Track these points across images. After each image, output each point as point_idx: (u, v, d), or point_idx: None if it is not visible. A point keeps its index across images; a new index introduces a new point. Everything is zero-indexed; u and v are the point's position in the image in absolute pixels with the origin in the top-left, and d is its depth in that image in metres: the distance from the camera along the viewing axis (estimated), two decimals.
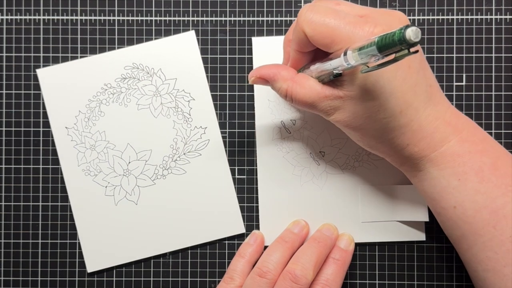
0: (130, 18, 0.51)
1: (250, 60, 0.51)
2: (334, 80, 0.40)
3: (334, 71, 0.38)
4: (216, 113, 0.51)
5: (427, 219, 0.48)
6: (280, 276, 0.45)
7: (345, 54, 0.35)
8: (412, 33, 0.29)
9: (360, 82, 0.38)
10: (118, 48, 0.51)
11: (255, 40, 0.50)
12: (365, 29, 0.37)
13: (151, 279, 0.51)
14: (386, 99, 0.39)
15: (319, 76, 0.41)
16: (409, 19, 0.50)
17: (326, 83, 0.41)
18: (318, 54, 0.42)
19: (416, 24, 0.50)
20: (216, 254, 0.51)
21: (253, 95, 0.50)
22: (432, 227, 0.49)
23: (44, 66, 0.51)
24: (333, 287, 0.45)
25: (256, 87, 0.50)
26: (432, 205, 0.43)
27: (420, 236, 0.49)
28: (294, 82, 0.42)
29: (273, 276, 0.45)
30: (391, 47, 0.30)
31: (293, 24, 0.44)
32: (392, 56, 0.32)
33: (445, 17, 0.50)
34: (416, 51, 0.31)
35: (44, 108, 0.51)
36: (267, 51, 0.50)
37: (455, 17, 0.50)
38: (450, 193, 0.41)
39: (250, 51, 0.51)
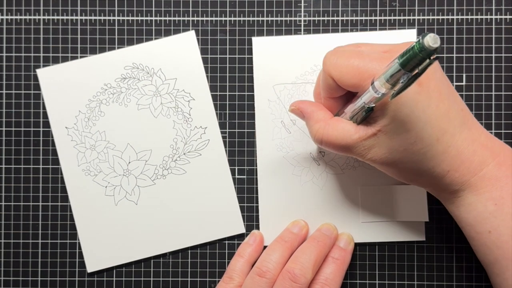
0: (130, 18, 0.51)
1: (250, 60, 0.50)
2: (367, 119, 0.40)
3: (366, 106, 0.38)
4: (216, 113, 0.51)
5: (427, 219, 0.48)
6: (279, 276, 0.45)
7: (372, 85, 0.36)
8: (430, 39, 0.29)
9: (394, 115, 0.38)
10: (118, 48, 0.51)
11: (255, 40, 0.50)
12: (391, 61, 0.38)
13: (151, 279, 0.50)
14: (422, 128, 0.39)
15: (353, 116, 0.41)
16: (409, 19, 0.50)
17: (360, 123, 0.41)
18: (350, 96, 0.42)
19: (416, 24, 0.50)
20: (216, 254, 0.50)
21: (253, 95, 0.50)
22: (432, 227, 0.49)
23: (44, 66, 0.51)
24: (332, 286, 0.45)
25: (256, 86, 0.50)
26: (467, 230, 0.43)
27: (420, 236, 0.49)
28: (326, 124, 0.42)
29: (273, 275, 0.45)
30: (413, 58, 0.31)
31: (319, 76, 0.44)
32: (415, 71, 0.32)
33: (445, 17, 0.50)
34: (437, 58, 0.31)
35: (44, 108, 0.51)
36: (267, 51, 0.50)
37: (455, 17, 0.50)
38: (486, 218, 0.41)
39: (250, 51, 0.51)
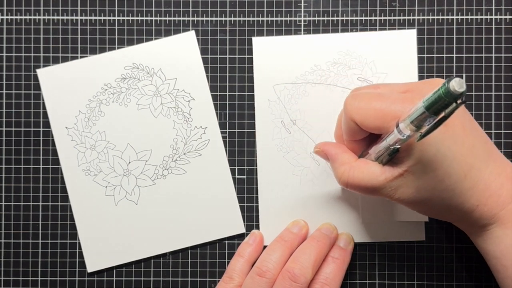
0: (130, 18, 0.51)
1: (250, 60, 0.50)
2: (392, 160, 0.40)
3: (391, 147, 0.38)
4: (216, 113, 0.50)
5: (427, 219, 0.48)
6: (279, 275, 0.45)
7: (397, 127, 0.36)
8: (456, 84, 0.29)
9: (420, 155, 0.38)
10: (118, 48, 0.51)
11: (255, 40, 0.50)
12: (415, 102, 0.37)
13: (151, 279, 0.50)
14: (449, 166, 0.39)
15: (378, 157, 0.41)
16: (409, 19, 0.50)
17: (386, 163, 0.40)
18: (373, 137, 0.42)
19: (416, 24, 0.50)
20: (216, 254, 0.50)
21: (253, 95, 0.50)
22: (432, 227, 0.49)
23: (44, 66, 0.51)
24: (332, 286, 0.45)
25: (256, 86, 0.50)
26: (493, 263, 0.42)
27: (420, 236, 0.49)
28: (351, 167, 0.42)
29: (273, 275, 0.45)
30: (439, 102, 0.31)
31: (339, 118, 0.45)
32: (441, 115, 0.32)
33: (445, 17, 0.50)
34: (463, 102, 0.31)
35: (44, 108, 0.51)
36: (268, 51, 0.50)
37: (455, 17, 0.50)
38: None
39: (250, 51, 0.51)
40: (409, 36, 0.50)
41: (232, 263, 0.48)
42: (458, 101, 0.30)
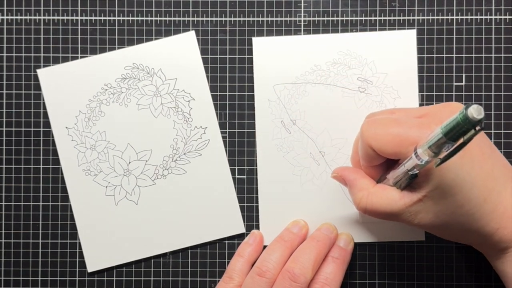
0: (130, 18, 0.51)
1: (250, 60, 0.50)
2: (411, 185, 0.40)
3: (410, 173, 0.38)
4: (216, 113, 0.50)
5: None
6: (279, 275, 0.44)
7: (415, 153, 0.36)
8: (474, 111, 0.29)
9: (439, 180, 0.38)
10: (118, 48, 0.51)
11: (256, 40, 0.50)
12: (432, 127, 0.37)
13: (151, 279, 0.50)
14: (469, 190, 0.39)
15: (396, 182, 0.41)
16: (409, 19, 0.50)
17: (404, 188, 0.40)
18: (390, 162, 0.42)
19: (415, 25, 0.50)
20: (216, 254, 0.50)
21: (253, 95, 0.50)
22: None
23: (44, 66, 0.51)
24: (332, 286, 0.45)
25: (256, 86, 0.50)
26: (511, 285, 0.42)
27: (420, 236, 0.49)
28: (369, 193, 0.42)
29: (272, 275, 0.45)
30: (457, 129, 0.31)
31: (355, 143, 0.45)
32: (460, 141, 0.32)
33: (445, 17, 0.50)
34: (482, 128, 0.31)
35: (44, 108, 0.51)
36: (268, 51, 0.50)
37: (455, 17, 0.50)
38: None
39: (250, 51, 0.50)
40: (409, 36, 0.50)
41: (232, 263, 0.48)
42: (477, 128, 0.31)
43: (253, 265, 0.47)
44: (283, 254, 0.46)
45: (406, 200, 0.40)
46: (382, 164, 0.43)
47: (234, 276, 0.47)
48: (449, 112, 0.39)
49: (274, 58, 0.50)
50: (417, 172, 0.38)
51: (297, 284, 0.43)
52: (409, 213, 0.40)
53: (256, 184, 0.50)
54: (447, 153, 0.34)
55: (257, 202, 0.50)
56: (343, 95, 0.49)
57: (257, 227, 0.50)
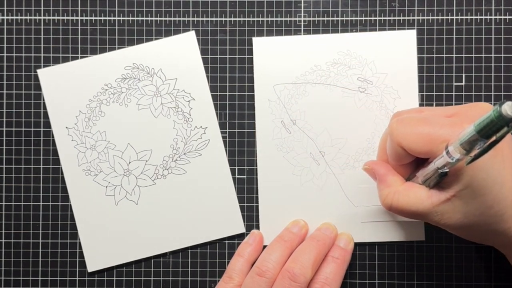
0: (130, 18, 0.51)
1: (250, 60, 0.50)
2: (439, 184, 0.40)
3: (440, 171, 0.38)
4: (216, 113, 0.50)
5: None
6: (279, 275, 0.44)
7: (446, 150, 0.36)
8: (508, 108, 0.29)
9: (469, 179, 0.38)
10: (118, 48, 0.51)
11: (256, 40, 0.50)
12: (464, 126, 0.37)
13: (151, 278, 0.50)
14: (499, 191, 0.38)
15: (425, 180, 0.40)
16: (409, 20, 0.50)
17: (433, 187, 0.40)
18: (419, 161, 0.42)
19: (415, 25, 0.50)
20: (216, 254, 0.50)
21: (253, 95, 0.50)
22: (432, 227, 0.49)
23: (44, 66, 0.51)
24: (332, 286, 0.45)
25: (256, 86, 0.50)
26: None
27: (420, 236, 0.49)
28: (397, 191, 0.42)
29: (272, 275, 0.44)
30: (490, 126, 0.31)
31: (381, 144, 0.45)
32: (492, 138, 0.32)
33: (444, 17, 0.50)
34: None
35: (44, 108, 0.51)
36: (268, 51, 0.50)
37: (454, 17, 0.50)
38: None
39: (250, 51, 0.50)
40: (409, 36, 0.49)
41: (232, 263, 0.48)
42: (510, 125, 0.30)
43: (253, 265, 0.46)
44: (282, 254, 0.46)
45: (433, 199, 0.40)
46: (411, 163, 0.43)
47: (234, 276, 0.47)
48: (480, 111, 0.39)
49: (274, 58, 0.50)
50: (447, 170, 0.38)
51: (297, 284, 0.43)
52: (436, 213, 0.40)
53: (256, 184, 0.50)
54: (479, 151, 0.33)
55: (257, 202, 0.50)
56: (343, 95, 0.49)
57: (257, 227, 0.50)
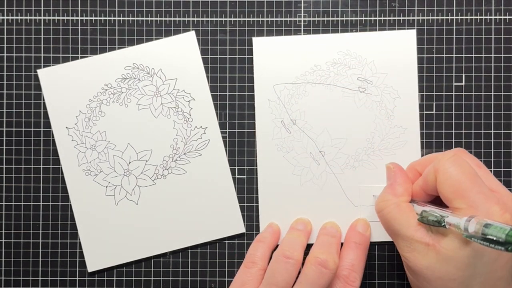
0: (130, 18, 0.50)
1: (250, 60, 0.50)
2: (431, 227, 0.39)
3: (443, 223, 0.37)
4: (216, 113, 0.50)
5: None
6: (306, 263, 0.43)
7: (468, 219, 0.35)
8: None
9: (462, 250, 0.37)
10: (118, 48, 0.50)
11: (256, 40, 0.50)
12: (494, 208, 0.36)
13: (152, 278, 0.50)
14: (470, 277, 0.37)
15: (423, 216, 0.40)
16: (409, 20, 0.49)
17: (422, 222, 0.40)
18: (436, 199, 0.42)
19: (415, 25, 0.49)
20: (216, 254, 0.50)
21: (253, 95, 0.50)
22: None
23: (44, 66, 0.50)
24: (358, 272, 0.45)
25: (256, 86, 0.49)
26: None
27: None
28: (397, 205, 0.42)
29: (299, 258, 0.44)
30: None
31: (428, 157, 0.45)
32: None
33: (444, 17, 0.49)
34: None
35: (44, 108, 0.50)
36: (268, 51, 0.49)
37: (454, 17, 0.49)
38: None
39: (250, 51, 0.50)
40: (409, 36, 0.49)
41: (252, 249, 0.47)
42: None
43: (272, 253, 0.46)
44: (303, 241, 0.46)
45: (418, 233, 0.39)
46: (431, 196, 0.43)
47: (257, 260, 0.46)
48: None
49: (274, 58, 0.49)
50: (447, 227, 0.37)
51: (328, 270, 0.42)
52: (409, 245, 0.40)
53: (256, 184, 0.50)
54: (492, 247, 0.32)
55: (257, 202, 0.50)
56: (343, 95, 0.49)
57: (257, 227, 0.50)
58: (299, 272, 0.44)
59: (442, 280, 0.38)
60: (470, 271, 0.37)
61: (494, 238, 0.31)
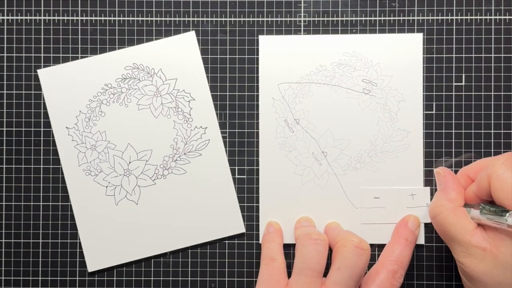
0: (130, 18, 0.49)
1: (251, 60, 0.49)
2: (488, 229, 0.38)
3: (505, 213, 0.37)
4: (216, 113, 0.49)
5: (426, 220, 0.47)
6: (339, 244, 0.42)
7: None
8: None
9: None
10: (118, 48, 0.49)
11: (262, 38, 0.49)
12: None
13: (152, 278, 0.49)
14: None
15: (486, 206, 0.39)
16: (409, 20, 0.48)
17: (483, 216, 0.39)
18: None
19: (415, 25, 0.48)
20: (216, 254, 0.49)
21: (253, 95, 0.49)
22: (432, 227, 0.47)
23: (45, 66, 0.49)
24: (404, 270, 0.44)
25: (261, 84, 0.48)
26: None
27: (420, 239, 0.47)
28: (452, 210, 0.41)
29: (325, 239, 0.42)
30: None
31: (480, 162, 0.44)
32: None
33: (444, 17, 0.48)
34: None
35: (45, 108, 0.49)
36: (274, 50, 0.48)
37: (454, 17, 0.48)
38: None
39: (250, 51, 0.49)
40: (416, 40, 0.48)
41: (265, 249, 0.45)
42: None
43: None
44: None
45: (473, 239, 0.39)
46: (483, 200, 0.42)
47: (275, 256, 0.44)
48: None
49: (280, 57, 0.48)
50: (505, 223, 0.37)
51: (365, 251, 0.41)
52: (465, 250, 0.39)
53: (256, 184, 0.49)
54: None
55: (257, 202, 0.48)
56: (347, 96, 0.48)
57: (257, 227, 0.48)
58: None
59: (500, 285, 0.37)
60: None
61: None
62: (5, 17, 0.49)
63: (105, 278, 0.49)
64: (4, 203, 0.49)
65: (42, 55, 0.49)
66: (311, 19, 0.49)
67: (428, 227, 0.47)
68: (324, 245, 0.42)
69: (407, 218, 0.46)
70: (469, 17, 0.48)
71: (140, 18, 0.49)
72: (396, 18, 0.48)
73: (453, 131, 0.48)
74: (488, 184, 0.39)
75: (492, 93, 0.48)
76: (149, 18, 0.49)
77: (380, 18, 0.48)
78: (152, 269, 0.49)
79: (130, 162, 0.49)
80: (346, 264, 0.41)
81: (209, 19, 0.49)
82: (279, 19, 0.49)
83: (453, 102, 0.48)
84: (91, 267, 0.49)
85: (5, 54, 0.49)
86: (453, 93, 0.48)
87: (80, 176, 0.49)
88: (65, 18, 0.49)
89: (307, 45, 0.48)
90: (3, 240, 0.49)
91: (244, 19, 0.49)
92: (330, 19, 0.48)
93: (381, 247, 0.48)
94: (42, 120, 0.49)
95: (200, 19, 0.49)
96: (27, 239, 0.49)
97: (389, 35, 0.48)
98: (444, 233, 0.41)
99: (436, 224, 0.42)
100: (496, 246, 0.37)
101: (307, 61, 0.48)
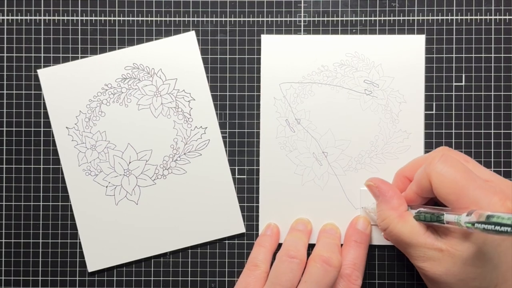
0: (130, 18, 0.48)
1: (251, 60, 0.48)
2: (439, 229, 0.38)
3: (440, 217, 0.36)
4: (216, 113, 0.48)
5: None
6: (310, 261, 0.41)
7: (468, 215, 0.33)
8: None
9: (474, 246, 0.36)
10: (118, 48, 0.48)
11: (264, 38, 0.48)
12: (494, 199, 0.35)
13: (152, 278, 0.48)
14: (489, 270, 0.36)
15: (421, 213, 0.38)
16: (409, 20, 0.47)
17: (428, 226, 0.38)
18: (430, 201, 0.41)
19: (415, 25, 0.47)
20: (216, 254, 0.48)
21: (253, 95, 0.48)
22: None
23: (45, 66, 0.48)
24: (360, 271, 0.43)
25: (262, 84, 0.47)
26: None
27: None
28: (400, 218, 0.40)
29: (303, 258, 0.41)
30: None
31: (414, 162, 0.43)
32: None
33: (444, 17, 0.47)
34: None
35: (45, 108, 0.48)
36: (276, 49, 0.47)
37: (454, 17, 0.47)
38: None
39: (250, 51, 0.48)
40: (418, 41, 0.47)
41: (254, 252, 0.45)
42: None
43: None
44: (305, 241, 0.44)
45: (429, 240, 0.38)
46: (426, 198, 0.41)
47: (259, 263, 0.43)
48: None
49: (282, 56, 0.47)
50: (446, 224, 0.36)
51: (332, 268, 0.40)
52: (422, 254, 0.38)
53: (256, 184, 0.48)
54: (493, 227, 0.31)
55: (257, 202, 0.48)
56: (349, 96, 0.47)
57: (257, 227, 0.48)
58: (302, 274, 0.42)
59: (463, 282, 0.37)
60: (489, 265, 0.36)
61: (496, 227, 0.30)
62: (5, 17, 0.49)
63: (105, 278, 0.48)
64: (4, 203, 0.48)
65: (42, 55, 0.48)
66: (311, 19, 0.48)
67: None
68: (299, 264, 0.41)
69: (356, 220, 0.46)
70: (469, 17, 0.47)
71: (140, 18, 0.48)
72: (396, 18, 0.47)
73: (453, 131, 0.47)
74: (429, 183, 0.38)
75: (492, 93, 0.47)
76: (149, 18, 0.48)
77: (380, 18, 0.47)
78: (152, 269, 0.48)
79: (130, 162, 0.48)
80: (312, 279, 0.40)
81: (209, 19, 0.48)
82: (279, 19, 0.48)
83: (453, 102, 0.47)
84: (91, 267, 0.48)
85: (5, 54, 0.48)
86: (453, 93, 0.47)
87: (80, 176, 0.48)
88: (65, 18, 0.48)
89: (309, 45, 0.47)
90: (3, 240, 0.48)
91: (244, 19, 0.48)
92: (330, 19, 0.48)
93: (381, 248, 0.47)
94: (42, 120, 0.48)
95: (200, 19, 0.48)
96: (27, 239, 0.48)
97: (391, 36, 0.47)
98: (398, 242, 0.40)
99: (388, 237, 0.41)
100: (451, 245, 0.37)
101: (309, 61, 0.47)
